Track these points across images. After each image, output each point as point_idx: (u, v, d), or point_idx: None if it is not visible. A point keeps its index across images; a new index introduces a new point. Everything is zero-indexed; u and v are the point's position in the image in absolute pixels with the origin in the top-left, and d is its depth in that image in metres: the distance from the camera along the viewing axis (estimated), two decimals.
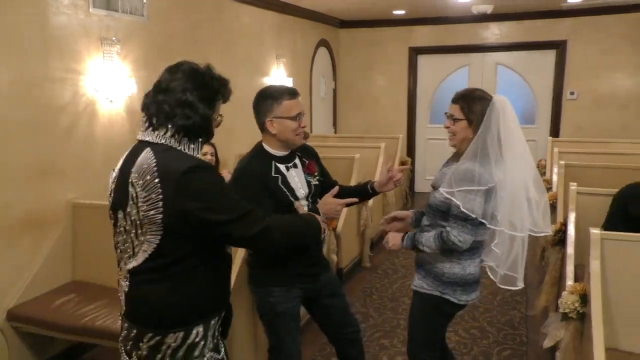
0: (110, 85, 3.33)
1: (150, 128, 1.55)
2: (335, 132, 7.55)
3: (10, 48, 2.76)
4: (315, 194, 2.15)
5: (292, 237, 1.74)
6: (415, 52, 7.35)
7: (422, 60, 7.40)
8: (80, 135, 3.22)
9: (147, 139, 1.54)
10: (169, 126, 1.52)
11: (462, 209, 1.94)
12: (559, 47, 6.66)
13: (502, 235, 2.02)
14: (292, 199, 2.06)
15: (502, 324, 3.58)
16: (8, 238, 2.80)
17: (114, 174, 1.62)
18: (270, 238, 1.59)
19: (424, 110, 7.46)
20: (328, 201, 1.93)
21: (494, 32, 6.97)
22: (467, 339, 3.35)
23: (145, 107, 1.57)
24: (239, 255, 2.53)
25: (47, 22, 2.96)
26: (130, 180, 1.50)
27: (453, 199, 1.96)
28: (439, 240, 2.03)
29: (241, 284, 2.41)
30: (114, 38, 3.36)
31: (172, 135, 1.53)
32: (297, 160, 2.16)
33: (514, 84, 6.94)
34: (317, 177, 2.20)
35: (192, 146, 1.57)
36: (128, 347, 1.56)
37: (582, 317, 2.34)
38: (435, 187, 2.15)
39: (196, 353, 1.56)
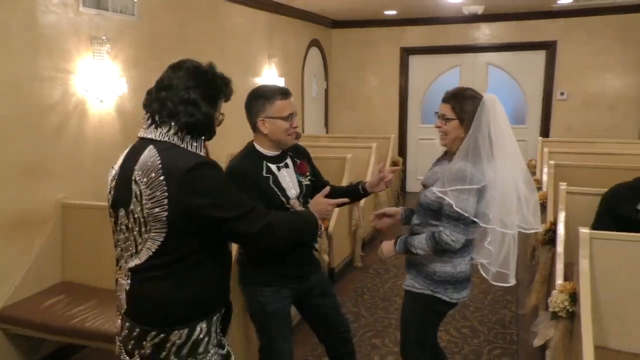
0: (100, 84, 3.30)
1: (153, 125, 1.54)
2: (327, 132, 7.55)
3: None
4: (307, 194, 2.15)
5: (292, 234, 1.76)
6: (406, 53, 7.37)
7: (414, 61, 7.42)
8: (70, 135, 3.20)
9: (150, 136, 1.54)
10: (172, 124, 1.52)
11: (455, 208, 1.95)
12: (549, 47, 6.71)
13: (494, 233, 2.03)
14: (283, 198, 2.05)
15: (493, 323, 3.59)
16: None
17: (114, 172, 1.61)
18: (273, 235, 1.61)
19: (416, 110, 7.49)
20: (319, 201, 1.93)
21: (484, 33, 7.00)
22: (458, 338, 3.36)
23: (147, 105, 1.57)
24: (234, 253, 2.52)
25: (36, 21, 2.93)
26: (133, 178, 1.49)
27: (446, 197, 1.97)
28: (432, 241, 2.04)
29: (232, 283, 2.40)
30: (104, 37, 3.33)
31: (175, 133, 1.53)
32: (288, 160, 2.16)
33: (505, 84, 6.98)
34: (309, 177, 2.20)
35: (194, 144, 1.57)
36: (130, 347, 1.55)
37: (572, 316, 2.36)
38: (425, 186, 2.16)
39: (200, 349, 1.57)
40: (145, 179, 1.47)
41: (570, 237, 2.79)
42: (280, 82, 5.63)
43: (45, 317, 2.68)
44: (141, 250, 1.51)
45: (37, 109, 2.97)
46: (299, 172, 2.17)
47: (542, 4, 6.05)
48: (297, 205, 2.04)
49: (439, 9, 6.28)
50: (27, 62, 2.90)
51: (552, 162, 4.05)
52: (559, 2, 5.82)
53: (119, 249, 1.59)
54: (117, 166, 1.61)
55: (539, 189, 4.10)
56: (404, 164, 7.16)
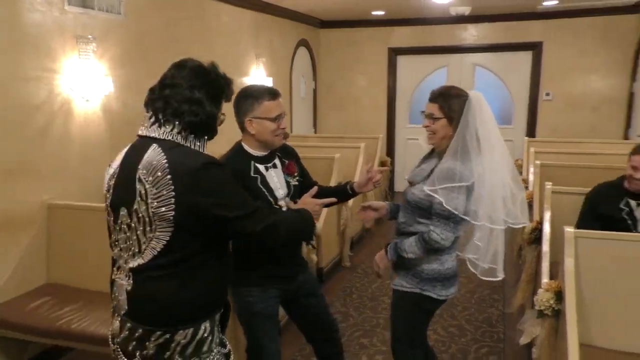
0: (86, 84, 3.27)
1: (157, 124, 1.53)
2: (315, 132, 7.55)
3: None
4: (295, 194, 2.15)
5: (294, 233, 1.79)
6: (394, 53, 7.39)
7: (402, 61, 7.45)
8: (55, 134, 3.16)
9: (153, 134, 1.52)
10: (176, 122, 1.52)
11: (446, 206, 1.96)
12: (535, 48, 6.78)
13: (483, 229, 2.05)
14: (271, 199, 2.05)
15: (480, 321, 3.62)
16: None
17: (112, 170, 1.59)
18: (276, 234, 1.62)
19: (404, 110, 7.52)
20: (306, 201, 1.93)
21: (471, 34, 7.05)
22: (445, 337, 3.38)
23: (150, 103, 1.55)
24: None
25: (20, 19, 2.89)
26: (137, 177, 1.48)
27: (436, 195, 1.98)
28: (421, 243, 2.05)
29: None
30: (90, 36, 3.30)
31: (179, 132, 1.52)
32: (276, 161, 2.15)
33: (492, 84, 7.03)
34: (297, 178, 2.20)
35: (197, 144, 1.56)
36: (130, 348, 1.52)
37: (557, 314, 2.38)
38: (411, 183, 2.17)
39: (205, 349, 1.56)
40: (150, 178, 1.45)
41: (556, 236, 2.82)
42: (268, 82, 5.62)
43: (30, 319, 2.65)
44: (145, 249, 1.49)
45: (22, 109, 2.94)
46: (287, 172, 2.16)
47: (528, 5, 6.11)
48: (292, 205, 2.03)
49: (426, 9, 6.31)
50: (12, 62, 2.86)
51: (538, 162, 4.10)
52: (544, 3, 5.88)
53: (118, 249, 1.57)
54: (115, 165, 1.59)
55: (526, 188, 4.14)
56: (392, 163, 7.19)
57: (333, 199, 2.04)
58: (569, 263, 2.36)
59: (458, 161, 2.00)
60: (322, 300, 2.34)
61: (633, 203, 2.88)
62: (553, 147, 5.17)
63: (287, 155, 2.21)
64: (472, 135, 2.00)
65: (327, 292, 3.79)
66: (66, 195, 3.19)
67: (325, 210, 3.13)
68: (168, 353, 1.51)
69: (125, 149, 1.60)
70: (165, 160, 1.46)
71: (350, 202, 4.60)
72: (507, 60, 6.99)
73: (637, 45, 6.11)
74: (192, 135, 1.55)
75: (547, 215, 3.17)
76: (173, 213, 1.44)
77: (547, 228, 3.10)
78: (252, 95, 2.04)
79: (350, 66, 7.52)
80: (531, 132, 6.85)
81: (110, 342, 1.62)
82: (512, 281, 4.04)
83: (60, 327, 2.58)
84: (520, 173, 4.88)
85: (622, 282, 2.36)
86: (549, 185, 3.32)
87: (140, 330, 1.51)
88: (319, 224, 4.11)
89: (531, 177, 4.19)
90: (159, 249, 1.48)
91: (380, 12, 6.67)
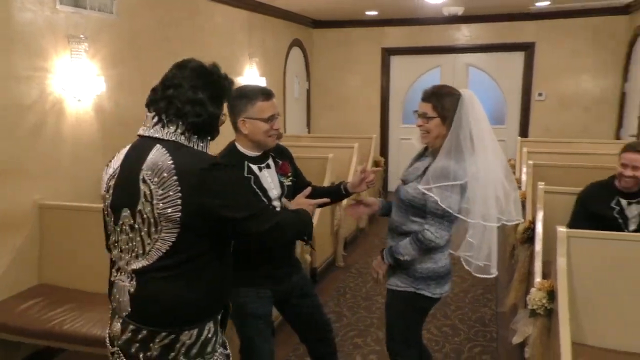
0: (78, 83, 3.25)
1: (160, 124, 1.51)
2: (309, 132, 7.55)
3: None
4: (288, 194, 2.15)
5: (295, 234, 1.81)
6: (387, 53, 7.41)
7: (395, 61, 7.46)
8: (47, 134, 3.14)
9: (157, 135, 1.51)
10: (180, 123, 1.51)
11: (441, 204, 1.97)
12: (528, 49, 6.81)
13: (477, 227, 2.05)
14: (264, 199, 2.05)
15: (473, 321, 3.63)
16: None
17: (111, 171, 1.57)
18: (280, 235, 1.64)
19: (397, 110, 7.54)
20: (300, 202, 1.93)
21: (464, 34, 7.08)
22: (439, 337, 3.39)
23: (152, 103, 1.54)
24: None
25: (11, 18, 2.87)
26: (141, 177, 1.46)
27: (431, 194, 1.99)
28: (416, 243, 2.06)
29: None
30: (81, 35, 3.28)
31: (183, 133, 1.52)
32: (270, 161, 2.15)
33: (485, 84, 7.06)
34: (290, 178, 2.20)
35: (201, 144, 1.56)
36: (133, 350, 1.51)
37: (550, 313, 2.39)
38: (405, 182, 2.17)
39: (209, 349, 1.56)
40: (156, 179, 1.44)
41: (549, 236, 2.84)
42: (261, 82, 5.62)
43: (22, 320, 2.63)
44: (150, 251, 1.48)
45: (13, 109, 2.91)
46: (280, 172, 2.16)
47: (520, 5, 6.14)
48: (289, 205, 2.03)
49: (419, 9, 6.33)
50: (3, 61, 2.84)
51: (530, 161, 4.11)
52: (536, 4, 5.91)
53: (118, 250, 1.55)
54: (115, 165, 1.57)
55: (519, 188, 4.16)
56: (386, 163, 7.20)
57: (326, 200, 2.04)
58: (561, 262, 2.37)
59: (452, 160, 2.01)
60: (315, 300, 2.34)
61: (624, 202, 2.90)
62: (545, 147, 5.19)
63: (280, 156, 2.21)
64: (466, 134, 2.01)
65: (320, 292, 3.79)
66: (58, 195, 3.17)
67: (318, 210, 3.13)
68: (173, 354, 1.50)
69: (125, 149, 1.58)
70: (171, 161, 1.45)
71: (344, 202, 4.60)
72: (500, 61, 7.02)
73: (629, 46, 6.15)
74: (195, 136, 1.54)
75: (540, 215, 3.18)
76: (180, 214, 1.43)
77: (539, 228, 3.12)
78: (246, 95, 2.03)
79: (344, 66, 7.53)
80: (524, 132, 6.88)
81: (108, 345, 1.60)
82: (505, 281, 4.06)
83: (53, 328, 2.56)
84: (513, 173, 4.90)
85: (614, 281, 2.38)
86: (541, 185, 3.34)
87: (145, 332, 1.49)
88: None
89: (524, 177, 4.20)
90: (164, 250, 1.47)
91: (374, 12, 6.68)
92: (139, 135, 1.56)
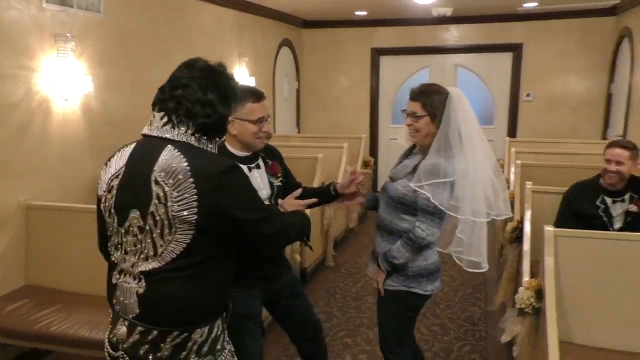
0: (65, 82, 3.22)
1: (169, 125, 1.49)
2: (299, 132, 7.54)
3: None
4: (278, 195, 2.14)
5: (298, 235, 1.84)
6: (377, 53, 7.42)
7: (384, 61, 7.48)
8: (33, 134, 3.10)
9: (167, 135, 1.49)
10: (190, 124, 1.49)
11: (433, 201, 1.98)
12: (516, 49, 6.86)
13: (467, 222, 2.06)
14: None
15: (463, 320, 3.65)
16: None
17: (113, 170, 1.52)
18: (288, 236, 1.71)
19: (387, 110, 7.55)
20: (290, 202, 1.93)
21: (453, 35, 7.11)
22: (428, 336, 3.41)
23: (160, 103, 1.51)
24: None
25: None
26: (153, 179, 1.44)
27: (422, 191, 2.00)
28: (409, 244, 2.06)
29: None
30: (68, 34, 3.25)
31: (193, 134, 1.50)
32: (260, 161, 2.14)
33: (473, 85, 7.09)
34: (280, 179, 2.19)
35: (210, 145, 1.55)
36: (142, 352, 1.48)
37: (538, 312, 2.41)
38: (393, 179, 2.17)
39: (219, 346, 1.57)
40: (171, 181, 1.43)
41: (536, 235, 2.86)
42: (251, 82, 5.60)
43: (8, 321, 2.60)
44: (162, 252, 1.45)
45: None
46: (270, 173, 2.16)
47: (508, 7, 6.18)
48: (286, 206, 2.01)
49: (408, 10, 6.34)
50: None
51: (518, 161, 4.15)
52: (524, 5, 5.96)
53: (121, 252, 1.51)
54: (118, 164, 1.53)
55: (507, 187, 4.19)
56: (375, 163, 7.21)
57: (314, 200, 2.04)
58: (548, 261, 2.39)
59: (442, 157, 2.02)
60: (305, 300, 2.34)
61: (609, 200, 2.93)
62: (533, 147, 5.24)
63: (270, 156, 2.20)
64: (455, 132, 2.03)
65: (310, 292, 3.79)
66: (44, 195, 3.13)
67: (308, 211, 3.12)
68: (184, 353, 1.48)
69: (129, 148, 1.54)
70: (186, 164, 1.43)
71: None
72: (488, 61, 7.07)
73: (615, 47, 6.22)
74: (205, 137, 1.53)
75: (528, 215, 3.21)
76: (196, 217, 1.42)
77: (527, 227, 3.14)
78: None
79: (333, 66, 7.53)
80: (512, 132, 6.93)
81: (108, 349, 1.55)
82: (493, 280, 4.09)
83: (39, 330, 2.53)
84: (502, 173, 4.94)
85: (601, 280, 2.40)
86: (529, 185, 3.37)
87: (155, 332, 1.47)
88: None
89: (512, 177, 4.24)
90: (178, 252, 1.45)
91: (363, 13, 6.69)
92: (144, 135, 1.53)
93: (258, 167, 2.12)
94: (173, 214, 1.43)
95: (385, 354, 2.30)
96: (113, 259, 1.55)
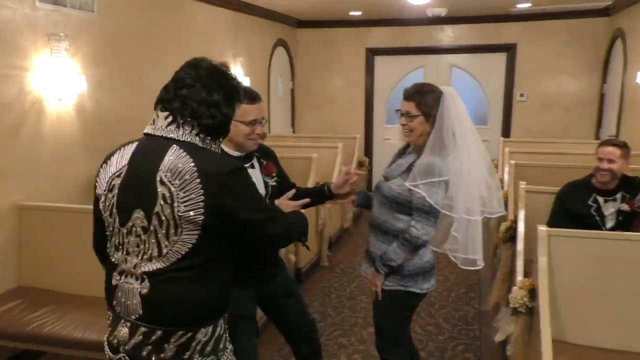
0: (58, 82, 3.20)
1: (174, 124, 1.48)
2: (294, 132, 7.54)
3: None
4: (273, 194, 2.14)
5: (298, 235, 1.85)
6: (371, 53, 7.43)
7: (379, 61, 7.49)
8: (26, 134, 3.09)
9: (171, 135, 1.48)
10: (195, 124, 1.49)
11: (428, 200, 1.99)
12: (509, 50, 6.89)
13: (461, 220, 2.07)
14: None
15: (457, 319, 3.66)
16: None
17: (114, 169, 1.50)
18: (289, 236, 1.72)
19: (381, 110, 7.57)
20: (285, 204, 1.93)
21: (448, 35, 7.13)
22: (422, 336, 3.41)
23: (164, 102, 1.50)
24: None
25: None
26: (159, 179, 1.43)
27: (418, 190, 2.00)
28: (404, 245, 2.06)
29: None
30: (62, 34, 3.23)
31: (197, 134, 1.50)
32: (254, 161, 2.14)
33: (468, 85, 7.12)
34: (275, 178, 2.19)
35: (213, 145, 1.55)
36: (144, 353, 1.46)
37: (531, 311, 2.42)
38: (387, 179, 2.17)
39: (221, 345, 1.56)
40: (177, 181, 1.42)
41: (530, 235, 2.87)
42: (246, 82, 5.59)
43: (1, 322, 2.58)
44: (167, 253, 1.45)
45: None
46: (265, 172, 2.15)
47: (502, 7, 6.21)
48: (283, 206, 2.02)
49: (403, 10, 6.36)
50: None
51: (512, 161, 4.16)
52: (518, 5, 5.98)
53: (122, 252, 1.50)
54: (119, 163, 1.51)
55: (501, 187, 4.21)
56: (370, 163, 7.22)
57: (308, 200, 2.04)
58: (542, 261, 2.40)
59: (437, 156, 2.02)
60: (300, 300, 2.34)
61: (601, 199, 2.96)
62: (527, 147, 5.26)
63: (265, 156, 2.20)
64: (449, 131, 2.03)
65: (305, 292, 3.79)
66: (38, 195, 3.12)
67: (302, 211, 3.12)
68: (188, 353, 1.48)
69: (130, 147, 1.52)
70: (193, 164, 1.43)
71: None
72: (482, 62, 7.10)
73: (608, 47, 6.26)
74: (209, 137, 1.53)
75: (522, 214, 3.22)
76: (202, 217, 1.42)
77: (521, 227, 3.15)
78: None
79: (328, 66, 7.53)
80: (506, 132, 6.96)
81: (108, 352, 1.53)
82: (487, 279, 4.10)
83: (33, 331, 2.52)
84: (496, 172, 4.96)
85: (594, 279, 2.41)
86: (523, 185, 3.38)
87: (159, 332, 1.46)
88: None
89: (506, 177, 4.25)
90: (183, 252, 1.44)
91: (358, 13, 6.70)
92: (147, 134, 1.52)
93: (252, 167, 2.12)
94: (179, 214, 1.42)
95: (381, 354, 2.30)
96: (113, 259, 1.53)
